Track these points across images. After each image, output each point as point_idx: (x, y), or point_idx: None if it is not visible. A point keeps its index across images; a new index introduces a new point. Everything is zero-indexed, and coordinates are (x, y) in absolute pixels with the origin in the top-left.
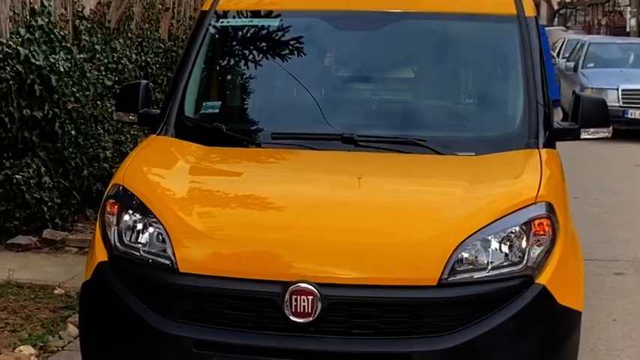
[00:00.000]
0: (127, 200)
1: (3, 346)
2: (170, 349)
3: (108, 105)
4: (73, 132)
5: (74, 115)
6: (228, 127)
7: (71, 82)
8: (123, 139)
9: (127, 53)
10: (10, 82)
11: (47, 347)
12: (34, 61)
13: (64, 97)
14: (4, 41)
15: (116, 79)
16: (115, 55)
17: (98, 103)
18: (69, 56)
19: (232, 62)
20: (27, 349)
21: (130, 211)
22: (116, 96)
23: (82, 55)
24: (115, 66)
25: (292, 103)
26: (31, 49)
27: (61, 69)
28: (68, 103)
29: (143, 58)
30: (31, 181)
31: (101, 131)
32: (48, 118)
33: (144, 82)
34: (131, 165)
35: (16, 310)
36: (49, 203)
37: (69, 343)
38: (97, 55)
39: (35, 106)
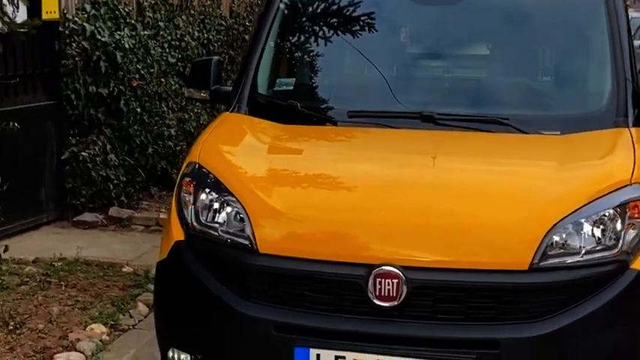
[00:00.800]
0: (204, 178)
1: (74, 323)
2: (249, 330)
3: (172, 82)
4: (137, 109)
5: (139, 92)
6: (302, 105)
7: (135, 59)
8: (186, 117)
9: (190, 30)
10: (76, 58)
11: (118, 326)
12: (99, 37)
13: (128, 74)
14: (70, 17)
15: (179, 56)
16: (177, 32)
17: (162, 80)
18: (133, 33)
19: (305, 38)
20: (98, 328)
21: (207, 190)
22: (179, 73)
23: (145, 32)
24: (178, 43)
25: (367, 81)
26: (97, 25)
27: (126, 45)
28: (133, 80)
29: (205, 35)
30: (97, 158)
31: (165, 109)
32: (113, 95)
33: (215, 58)
34: (206, 142)
35: (86, 288)
36: (115, 181)
37: (139, 321)
38: (161, 32)
39: (101, 83)
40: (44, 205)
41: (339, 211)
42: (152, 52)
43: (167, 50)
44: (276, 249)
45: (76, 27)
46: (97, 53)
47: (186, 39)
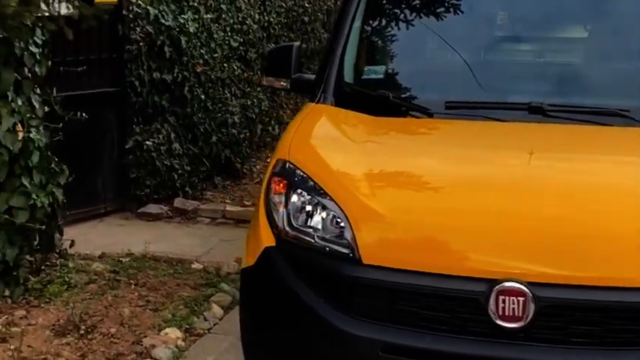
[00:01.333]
0: (296, 178)
1: (147, 327)
2: (352, 350)
3: (235, 67)
4: (202, 96)
5: (202, 78)
6: (394, 95)
7: (199, 44)
8: (249, 103)
9: (251, 13)
10: (140, 43)
11: (193, 330)
12: (163, 21)
13: (192, 60)
14: (134, 0)
15: (241, 40)
16: (239, 15)
17: (225, 65)
18: (196, 16)
19: (394, 22)
20: (173, 332)
21: (300, 191)
22: (241, 58)
23: (208, 15)
24: (240, 26)
25: (465, 68)
26: (160, 8)
27: (190, 30)
28: (197, 66)
29: (266, 17)
30: (162, 147)
31: (228, 95)
32: (177, 82)
33: (296, 44)
34: (295, 138)
35: (156, 287)
36: (179, 171)
37: (214, 325)
38: (223, 15)
39: (165, 69)
40: (104, 195)
41: (452, 216)
42: (215, 36)
43: (229, 34)
44: (382, 259)
45: (139, 10)
46: (162, 38)
47: (247, 22)
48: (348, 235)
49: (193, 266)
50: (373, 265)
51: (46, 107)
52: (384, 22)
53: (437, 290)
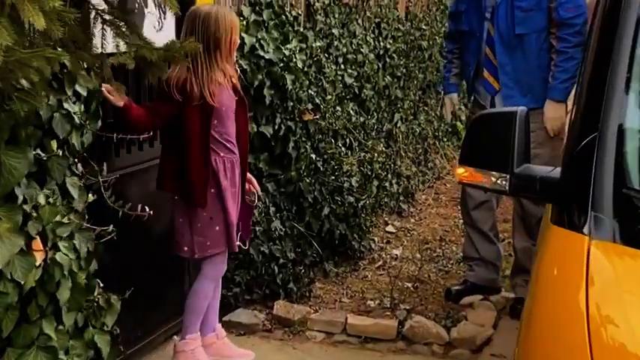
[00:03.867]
0: None
1: None
2: None
3: (350, 111)
4: (311, 154)
5: (312, 129)
6: None
7: (307, 82)
8: (367, 157)
9: (367, 39)
10: None
11: None
12: (262, 53)
13: (299, 105)
14: None
15: (356, 73)
16: (354, 41)
17: (338, 108)
18: (303, 45)
19: None
20: None
21: None
22: (354, 97)
23: (318, 44)
24: (354, 56)
25: None
26: (259, 36)
27: (299, 64)
28: (305, 113)
29: (381, 44)
30: (257, 227)
31: (342, 149)
32: (279, 135)
33: (521, 109)
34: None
35: None
36: (281, 260)
37: None
38: (335, 43)
39: (263, 118)
40: (173, 308)
41: None
42: (326, 70)
43: (342, 67)
44: None
45: None
46: (260, 76)
47: (363, 50)
48: None
49: None
50: None
51: (90, 195)
52: None
53: None
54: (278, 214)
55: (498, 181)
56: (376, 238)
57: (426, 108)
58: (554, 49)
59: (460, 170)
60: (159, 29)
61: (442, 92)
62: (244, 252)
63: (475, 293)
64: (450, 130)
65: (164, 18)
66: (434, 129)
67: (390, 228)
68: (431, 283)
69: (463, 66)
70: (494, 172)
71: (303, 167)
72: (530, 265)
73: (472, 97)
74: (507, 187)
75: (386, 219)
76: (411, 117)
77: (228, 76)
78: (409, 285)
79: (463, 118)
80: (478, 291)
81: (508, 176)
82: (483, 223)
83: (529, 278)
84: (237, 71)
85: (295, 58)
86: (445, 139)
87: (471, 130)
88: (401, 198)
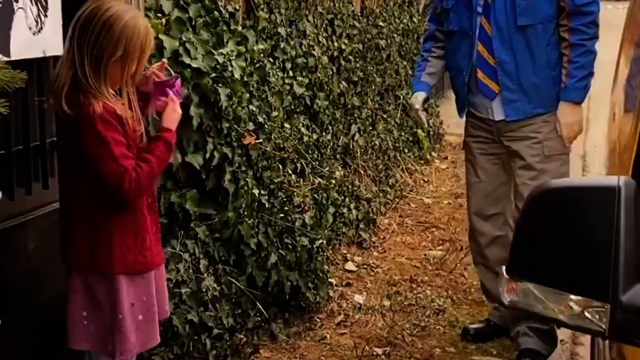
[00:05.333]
0: None
1: None
2: None
3: (301, 129)
4: (253, 189)
5: (253, 155)
6: None
7: (247, 96)
8: (323, 184)
9: (319, 39)
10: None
11: None
12: (188, 61)
13: (237, 125)
14: None
15: (307, 81)
16: (304, 42)
17: (286, 126)
18: (242, 48)
19: None
20: None
21: None
22: (306, 109)
23: (260, 47)
24: (305, 61)
25: None
26: (184, 38)
27: (236, 73)
28: (245, 136)
29: (336, 44)
30: (184, 288)
31: (293, 176)
32: (211, 167)
33: (624, 180)
34: None
35: None
36: (215, 330)
37: None
38: (282, 45)
39: (190, 145)
40: None
41: None
42: (271, 78)
43: (290, 73)
44: None
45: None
46: (185, 91)
47: (314, 52)
48: None
49: None
50: None
51: None
52: None
53: None
54: (211, 269)
55: (586, 313)
56: (334, 281)
57: (384, 116)
58: (567, 43)
59: (505, 284)
60: (36, 31)
61: (410, 93)
62: (166, 323)
63: (497, 335)
64: (410, 139)
65: (44, 15)
66: (394, 139)
67: (349, 265)
68: (406, 347)
69: (452, 75)
70: (574, 297)
71: (244, 205)
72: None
73: (464, 114)
74: (605, 326)
75: (344, 252)
76: (370, 128)
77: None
78: (378, 351)
79: (425, 125)
80: (501, 333)
81: (607, 306)
82: (496, 262)
83: (536, 325)
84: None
85: (231, 65)
86: (406, 150)
87: (529, 217)
88: (361, 225)
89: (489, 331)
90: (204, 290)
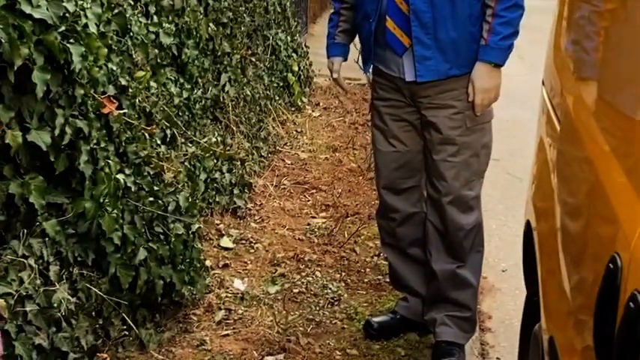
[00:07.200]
0: None
1: None
2: None
3: (170, 86)
4: (112, 167)
5: (115, 127)
6: None
7: (105, 51)
8: (206, 157)
9: None
10: None
11: None
12: (29, 10)
13: (94, 91)
14: None
15: (174, 28)
16: None
17: (152, 85)
18: None
19: None
20: None
21: None
22: (173, 60)
23: None
24: (171, 2)
25: None
26: None
27: (91, 27)
28: (103, 104)
29: None
30: (25, 298)
31: (162, 148)
32: (60, 146)
33: None
34: None
35: None
36: (71, 354)
37: None
38: None
39: (34, 119)
40: None
41: None
42: (134, 27)
43: (155, 19)
44: None
45: None
46: (25, 51)
47: None
48: None
49: None
50: None
51: None
52: None
53: None
54: (65, 275)
55: None
56: (209, 262)
57: (253, 59)
58: None
59: None
60: None
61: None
62: (7, 352)
63: (403, 330)
64: (280, 84)
65: None
66: (264, 86)
67: (225, 241)
68: (302, 352)
69: (357, 20)
70: None
71: (104, 191)
72: (457, 295)
73: (369, 68)
74: None
75: (218, 224)
76: (241, 75)
77: None
78: None
79: (295, 68)
80: (409, 327)
81: None
82: (408, 242)
83: (455, 313)
84: None
85: (85, 16)
86: (277, 97)
87: None
88: (235, 191)
89: (395, 324)
90: (55, 305)
